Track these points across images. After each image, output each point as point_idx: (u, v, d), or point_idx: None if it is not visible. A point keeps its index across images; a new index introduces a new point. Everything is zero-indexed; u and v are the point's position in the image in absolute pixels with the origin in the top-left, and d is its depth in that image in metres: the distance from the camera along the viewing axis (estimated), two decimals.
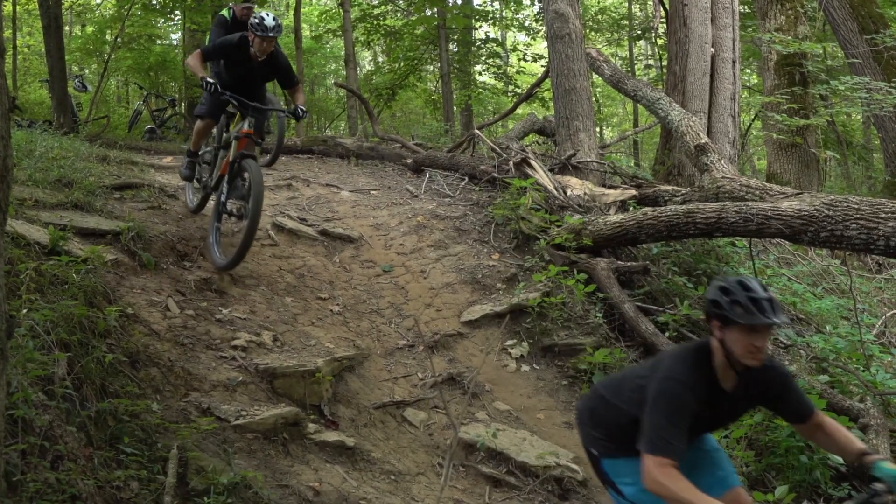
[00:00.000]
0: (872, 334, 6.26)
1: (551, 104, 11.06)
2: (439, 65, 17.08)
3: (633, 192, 7.84)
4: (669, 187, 8.14)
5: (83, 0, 19.01)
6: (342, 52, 18.52)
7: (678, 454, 2.67)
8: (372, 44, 19.05)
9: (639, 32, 19.78)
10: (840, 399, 5.03)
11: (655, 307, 6.41)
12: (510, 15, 20.45)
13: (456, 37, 17.77)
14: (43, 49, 13.18)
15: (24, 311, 3.74)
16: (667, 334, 6.05)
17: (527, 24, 20.03)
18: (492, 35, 21.43)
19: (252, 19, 5.79)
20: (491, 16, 19.88)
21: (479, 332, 5.98)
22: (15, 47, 15.21)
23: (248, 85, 6.07)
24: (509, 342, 5.94)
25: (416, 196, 8.48)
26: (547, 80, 10.70)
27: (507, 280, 6.58)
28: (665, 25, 12.37)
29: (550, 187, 7.73)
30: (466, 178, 8.82)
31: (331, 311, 5.88)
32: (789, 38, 11.66)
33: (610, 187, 8.24)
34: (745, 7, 14.74)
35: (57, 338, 3.70)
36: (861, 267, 8.74)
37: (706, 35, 10.38)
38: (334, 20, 18.64)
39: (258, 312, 5.44)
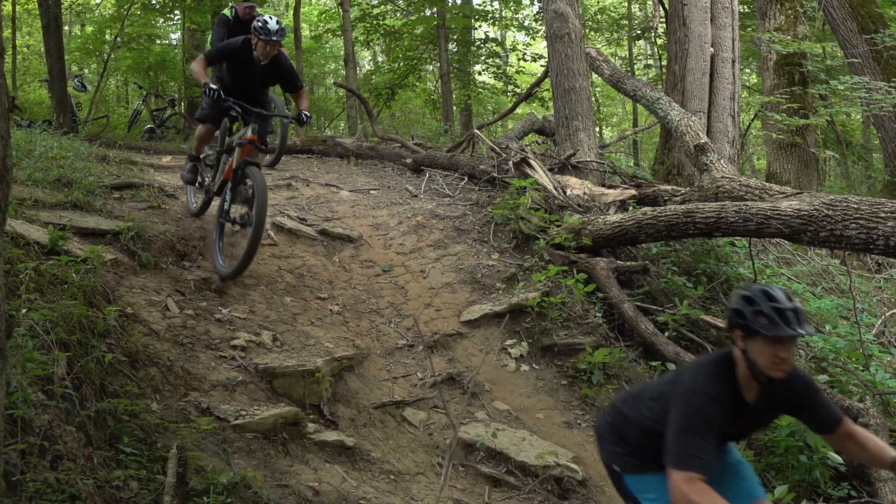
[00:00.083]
0: (872, 334, 6.26)
1: (551, 104, 11.07)
2: (439, 64, 17.08)
3: (633, 191, 7.84)
4: (669, 187, 8.14)
5: (83, 0, 19.00)
6: (342, 52, 18.52)
7: (706, 468, 2.60)
8: (371, 43, 19.05)
9: (638, 32, 19.77)
10: (839, 399, 5.04)
11: (655, 307, 6.41)
12: (510, 15, 20.46)
13: (455, 36, 17.77)
14: (42, 49, 13.18)
15: (24, 310, 3.74)
16: (666, 334, 6.06)
17: (526, 23, 20.04)
18: (491, 35, 21.44)
19: (255, 23, 5.72)
20: (490, 15, 19.88)
21: (478, 332, 5.98)
22: (14, 47, 15.20)
23: (250, 89, 6.02)
24: (509, 342, 5.94)
25: (416, 196, 8.48)
26: (546, 80, 10.69)
27: (506, 280, 6.58)
28: (664, 25, 12.37)
29: (550, 187, 7.73)
30: (466, 178, 8.82)
31: (330, 310, 5.88)
32: (789, 37, 11.66)
33: (609, 187, 8.24)
34: (745, 7, 14.74)
35: (56, 337, 3.70)
36: (860, 266, 8.74)
37: (706, 35, 10.38)
38: (334, 20, 18.64)
39: (258, 312, 5.44)
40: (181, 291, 5.32)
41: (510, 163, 8.29)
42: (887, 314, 6.92)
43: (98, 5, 19.36)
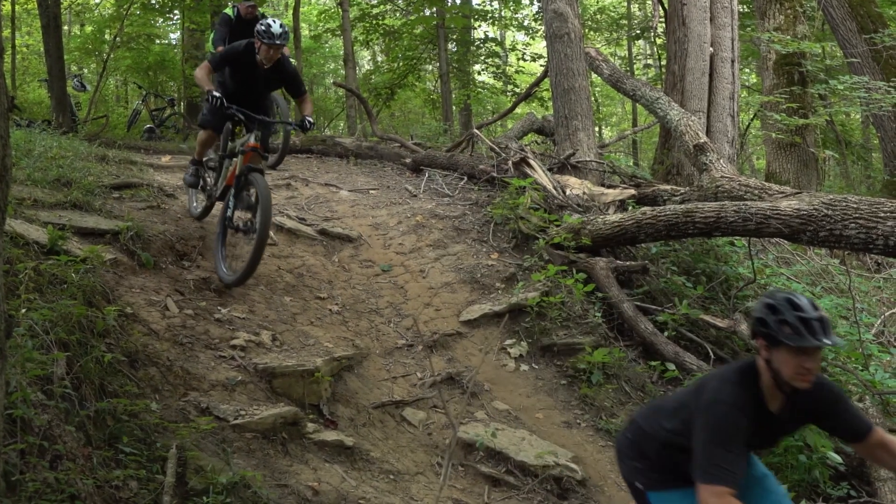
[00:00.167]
0: (871, 333, 6.26)
1: (550, 104, 11.06)
2: (438, 64, 17.08)
3: (632, 191, 7.84)
4: (668, 187, 8.14)
5: (82, 0, 18.99)
6: (341, 52, 18.52)
7: (735, 481, 2.53)
8: (371, 43, 19.05)
9: (638, 32, 19.77)
10: None
11: (654, 306, 6.42)
12: (509, 14, 20.46)
13: (455, 36, 17.77)
14: (42, 48, 13.17)
15: (23, 310, 3.73)
16: (665, 333, 6.06)
17: (526, 23, 20.04)
18: (491, 34, 21.43)
19: (258, 26, 5.66)
20: (490, 15, 19.88)
21: (477, 332, 5.98)
22: (14, 47, 15.20)
23: (253, 92, 5.97)
24: (508, 342, 5.95)
25: (415, 195, 8.48)
26: (546, 80, 10.69)
27: (506, 279, 6.58)
28: (664, 25, 12.37)
29: (549, 187, 7.73)
30: (465, 178, 8.82)
31: (330, 310, 5.88)
32: (788, 37, 11.66)
33: (609, 187, 8.24)
34: (744, 6, 14.74)
35: (56, 337, 3.70)
36: (860, 266, 8.74)
37: (705, 34, 10.38)
38: (333, 20, 18.64)
39: (257, 312, 5.44)
40: (180, 291, 5.31)
41: (510, 162, 8.29)
42: (887, 314, 6.92)
43: (97, 5, 19.35)
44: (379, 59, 22.68)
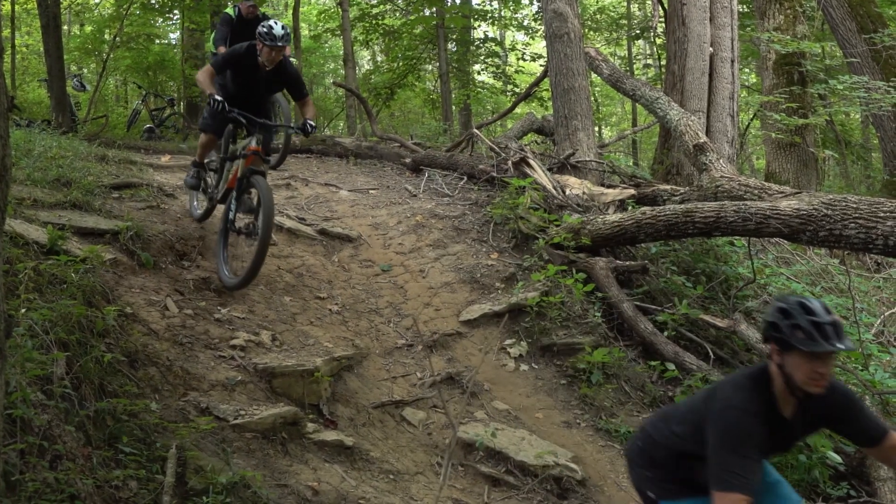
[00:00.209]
0: (871, 333, 6.27)
1: (550, 103, 11.06)
2: (438, 64, 17.08)
3: (632, 191, 7.84)
4: (668, 186, 8.14)
5: (81, 0, 19.02)
6: (341, 52, 18.52)
7: (751, 488, 2.50)
8: (371, 43, 19.05)
9: (637, 32, 19.77)
10: None
11: (654, 306, 6.42)
12: (509, 14, 20.46)
13: (455, 36, 17.77)
14: (41, 48, 13.17)
15: (23, 310, 3.73)
16: (665, 333, 6.06)
17: (525, 23, 20.04)
18: (490, 34, 21.44)
19: (260, 28, 5.62)
20: (490, 15, 19.88)
21: (477, 332, 5.98)
22: (13, 46, 15.19)
23: (254, 95, 5.93)
24: (508, 341, 5.95)
25: (415, 195, 8.48)
26: (546, 80, 10.69)
27: (505, 279, 6.58)
28: (664, 25, 12.37)
29: (549, 187, 7.73)
30: (465, 178, 8.82)
31: (329, 310, 5.88)
32: (788, 37, 11.66)
33: (609, 186, 8.24)
34: (744, 6, 14.74)
35: (55, 337, 3.70)
36: (859, 266, 8.74)
37: (705, 34, 10.37)
38: (333, 19, 18.64)
39: (257, 312, 5.44)
40: (180, 291, 5.31)
41: (509, 162, 8.29)
42: (886, 314, 6.92)
43: (97, 5, 19.35)
44: (379, 58, 22.68)
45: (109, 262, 5.03)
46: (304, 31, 20.26)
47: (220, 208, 6.02)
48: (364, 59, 25.03)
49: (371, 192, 8.63)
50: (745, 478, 2.50)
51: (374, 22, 17.51)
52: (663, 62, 14.75)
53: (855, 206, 5.00)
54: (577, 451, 4.95)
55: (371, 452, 4.46)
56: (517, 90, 17.48)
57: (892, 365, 5.87)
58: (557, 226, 7.07)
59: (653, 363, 5.83)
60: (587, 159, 8.56)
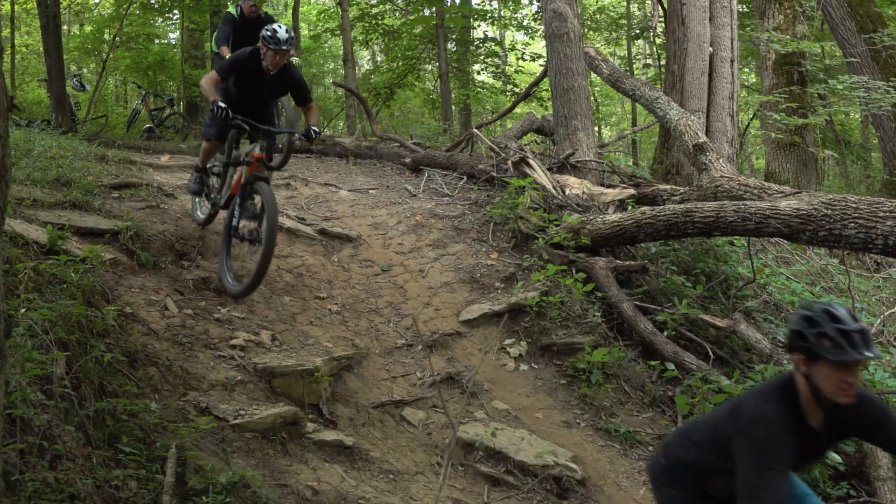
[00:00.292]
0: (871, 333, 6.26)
1: (550, 103, 11.07)
2: (438, 64, 17.07)
3: (632, 191, 7.84)
4: (668, 186, 8.14)
5: (81, 0, 19.01)
6: (340, 52, 18.52)
7: (781, 502, 2.43)
8: (370, 43, 19.05)
9: (637, 31, 19.77)
10: None
11: (654, 306, 6.42)
12: (508, 14, 20.45)
13: (454, 36, 17.76)
14: (41, 48, 13.16)
15: (23, 310, 3.73)
16: (665, 333, 6.07)
17: (525, 23, 20.04)
18: (490, 34, 21.44)
19: (264, 31, 5.56)
20: (489, 15, 19.88)
21: (477, 332, 5.98)
22: (13, 46, 15.18)
23: (257, 100, 5.87)
24: (508, 341, 5.95)
25: (415, 195, 8.48)
26: (545, 80, 10.69)
27: (505, 279, 6.58)
28: (663, 24, 12.37)
29: (549, 186, 7.73)
30: (465, 178, 8.82)
31: (329, 310, 5.88)
32: (788, 37, 11.66)
33: (608, 186, 8.24)
34: (744, 6, 14.74)
35: (55, 337, 3.70)
36: (859, 266, 8.74)
37: (704, 34, 10.38)
38: (333, 19, 18.63)
39: (256, 312, 5.44)
40: (180, 291, 5.31)
41: (509, 162, 8.29)
42: (886, 313, 6.92)
43: (97, 5, 19.35)
44: (378, 58, 22.68)
45: (109, 261, 5.03)
46: (304, 31, 20.25)
47: (222, 213, 5.98)
48: (364, 58, 25.03)
49: (371, 191, 8.63)
50: (777, 491, 2.43)
51: (373, 22, 17.51)
52: (663, 62, 14.75)
53: (854, 205, 5.00)
54: (577, 451, 4.95)
55: (371, 452, 4.46)
56: (517, 90, 17.47)
57: (893, 365, 5.87)
58: (557, 225, 7.07)
59: (652, 363, 5.83)
60: (587, 159, 8.57)
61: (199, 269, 5.72)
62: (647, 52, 22.76)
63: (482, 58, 18.52)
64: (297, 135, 5.98)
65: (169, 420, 3.88)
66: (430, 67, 19.17)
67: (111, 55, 15.11)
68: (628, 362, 5.91)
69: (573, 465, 4.71)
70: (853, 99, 10.30)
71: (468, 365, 5.60)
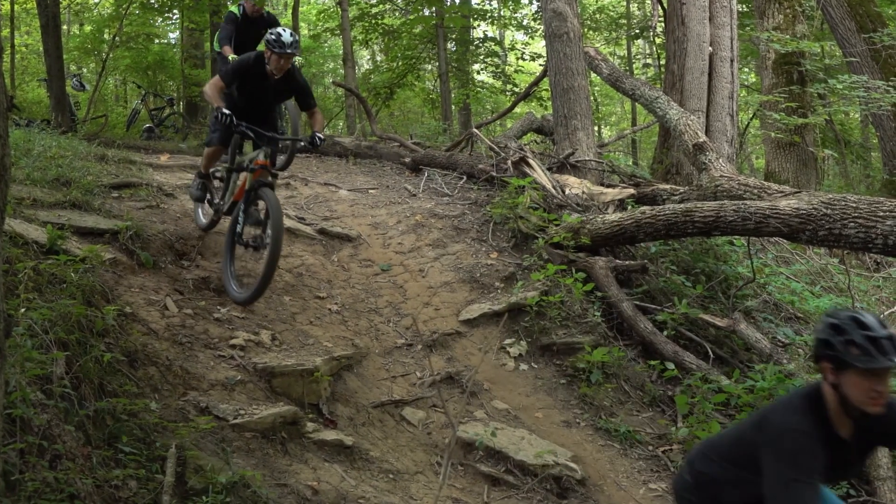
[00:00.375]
0: None
1: (549, 103, 11.06)
2: (437, 64, 17.06)
3: (632, 190, 7.84)
4: (668, 186, 8.14)
5: None
6: (340, 51, 18.51)
7: None
8: (370, 43, 19.02)
9: (637, 31, 19.76)
10: None
11: (654, 306, 6.42)
12: (508, 14, 20.44)
13: (454, 36, 17.75)
14: (41, 48, 13.16)
15: (23, 310, 3.73)
16: (665, 333, 6.07)
17: (525, 22, 20.02)
18: (490, 34, 21.42)
19: (269, 35, 5.51)
20: (489, 15, 19.86)
21: (477, 331, 5.98)
22: (13, 46, 15.18)
23: (261, 105, 5.83)
24: (508, 341, 5.95)
25: (415, 195, 8.48)
26: (545, 79, 10.69)
27: (505, 279, 6.58)
28: (663, 24, 12.36)
29: (549, 186, 7.73)
30: (465, 177, 8.82)
31: (329, 310, 5.88)
32: (787, 36, 11.65)
33: (608, 186, 8.24)
34: (744, 6, 14.73)
35: (55, 337, 3.70)
36: (859, 265, 8.74)
37: (704, 34, 10.37)
38: (332, 19, 18.62)
39: (256, 311, 5.44)
40: (180, 290, 5.31)
41: (509, 162, 8.29)
42: (886, 313, 6.93)
43: (96, 4, 19.34)
44: (378, 58, 22.67)
45: (109, 261, 5.03)
46: (304, 31, 20.25)
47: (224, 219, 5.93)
48: (363, 58, 25.02)
49: (370, 191, 8.63)
50: None
51: (373, 21, 17.49)
52: (663, 62, 14.75)
53: (854, 205, 5.01)
54: (577, 451, 4.95)
55: (371, 452, 4.46)
56: (517, 90, 17.46)
57: None
58: (557, 225, 7.07)
59: (652, 362, 5.83)
60: (587, 159, 8.57)
61: (199, 268, 5.72)
62: (647, 51, 22.76)
63: (482, 57, 18.51)
64: (302, 142, 5.89)
65: (169, 420, 3.88)
66: (429, 67, 19.16)
67: (111, 55, 15.10)
68: (628, 362, 5.91)
69: (573, 465, 4.71)
70: (853, 98, 10.30)
71: (468, 364, 5.60)
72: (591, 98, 13.03)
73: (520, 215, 7.24)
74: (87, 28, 18.30)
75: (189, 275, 5.56)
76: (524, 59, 19.78)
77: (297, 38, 5.57)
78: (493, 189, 8.28)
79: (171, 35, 19.00)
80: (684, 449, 5.05)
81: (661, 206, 6.71)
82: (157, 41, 17.35)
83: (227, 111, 5.40)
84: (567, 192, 7.76)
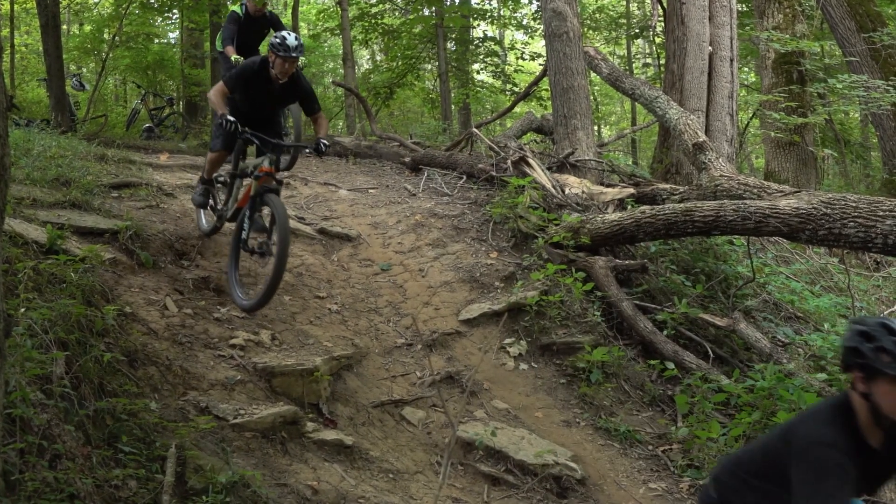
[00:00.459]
0: None
1: (549, 103, 11.06)
2: (437, 63, 17.07)
3: (632, 190, 7.84)
4: (667, 186, 8.14)
5: None
6: (340, 51, 18.51)
7: None
8: (370, 42, 19.03)
9: (637, 31, 19.77)
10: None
11: (654, 305, 6.42)
12: (508, 13, 20.45)
13: (454, 35, 17.76)
14: (41, 48, 13.15)
15: (23, 309, 3.73)
16: (665, 332, 6.07)
17: (525, 22, 20.04)
18: (490, 34, 21.43)
19: (273, 39, 5.46)
20: (489, 14, 19.86)
21: (477, 331, 5.98)
22: (13, 46, 15.18)
23: (265, 110, 5.79)
24: (507, 340, 5.95)
25: (415, 195, 8.48)
26: (545, 79, 10.69)
27: (505, 278, 6.58)
28: (663, 24, 12.37)
29: (548, 186, 7.73)
30: (464, 177, 8.82)
31: (329, 309, 5.87)
32: (787, 36, 11.66)
33: (608, 186, 8.24)
34: (743, 5, 14.74)
35: (55, 337, 3.70)
36: (859, 265, 8.75)
37: (704, 33, 10.38)
38: (332, 19, 18.63)
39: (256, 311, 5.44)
40: (180, 290, 5.31)
41: (509, 161, 8.28)
42: (886, 312, 6.93)
43: (96, 4, 19.34)
44: (378, 58, 22.67)
45: (109, 261, 5.03)
46: (304, 31, 20.25)
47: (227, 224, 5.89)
48: (363, 58, 25.02)
49: (370, 191, 8.63)
50: None
51: (373, 21, 17.50)
52: (662, 61, 14.75)
53: (854, 204, 5.01)
54: (577, 450, 4.95)
55: (370, 451, 4.46)
56: (516, 89, 17.47)
57: None
58: (557, 225, 7.07)
59: (652, 362, 5.83)
60: (586, 158, 8.57)
61: (199, 268, 5.72)
62: (647, 51, 22.76)
63: (482, 57, 18.52)
64: (306, 149, 5.84)
65: (169, 420, 3.88)
66: (429, 67, 19.18)
67: (111, 55, 15.11)
68: (628, 361, 5.91)
69: (573, 465, 4.71)
70: (853, 98, 10.30)
71: (468, 364, 5.60)
72: (591, 98, 13.04)
73: (520, 215, 7.24)
74: (87, 28, 18.30)
75: (189, 274, 5.56)
76: (524, 59, 19.78)
77: (301, 41, 5.49)
78: (493, 189, 8.28)
79: (170, 35, 19.03)
80: (684, 448, 5.05)
81: (660, 206, 6.71)
82: (156, 41, 17.37)
83: (231, 118, 5.35)
84: (567, 191, 7.76)
